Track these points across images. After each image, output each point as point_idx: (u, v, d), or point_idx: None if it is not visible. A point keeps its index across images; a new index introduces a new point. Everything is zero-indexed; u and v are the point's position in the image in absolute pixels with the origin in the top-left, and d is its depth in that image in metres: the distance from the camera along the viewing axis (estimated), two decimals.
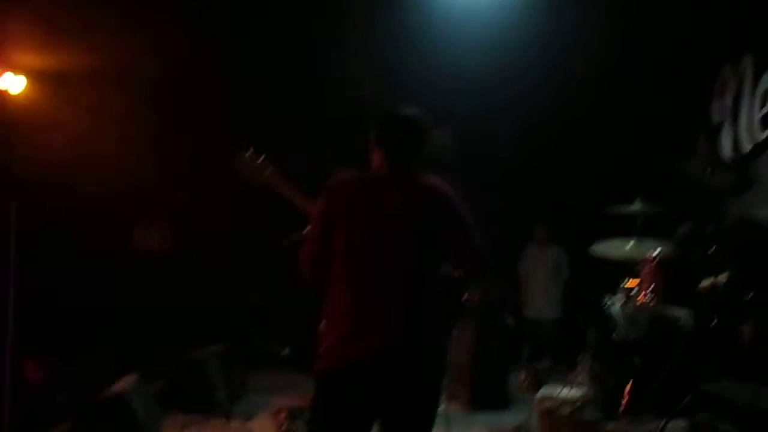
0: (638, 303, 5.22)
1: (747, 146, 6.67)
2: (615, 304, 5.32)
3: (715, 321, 4.70)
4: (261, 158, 3.90)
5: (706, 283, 4.92)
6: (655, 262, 5.25)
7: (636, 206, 5.88)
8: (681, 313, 5.02)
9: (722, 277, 4.91)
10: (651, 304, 5.16)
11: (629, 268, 5.57)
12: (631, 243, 5.74)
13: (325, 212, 3.27)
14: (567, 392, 5.26)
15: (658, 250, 5.34)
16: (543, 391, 5.49)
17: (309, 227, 3.41)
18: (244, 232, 8.25)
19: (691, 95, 7.52)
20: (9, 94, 7.04)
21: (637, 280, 5.38)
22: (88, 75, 7.35)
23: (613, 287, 5.55)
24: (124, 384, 5.75)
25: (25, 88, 7.16)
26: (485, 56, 7.36)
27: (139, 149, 7.84)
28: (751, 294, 4.75)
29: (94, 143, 7.59)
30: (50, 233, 7.24)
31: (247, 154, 3.91)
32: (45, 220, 7.14)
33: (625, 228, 5.91)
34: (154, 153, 7.94)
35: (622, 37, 6.89)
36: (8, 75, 7.03)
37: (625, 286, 5.44)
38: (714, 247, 4.84)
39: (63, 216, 7.52)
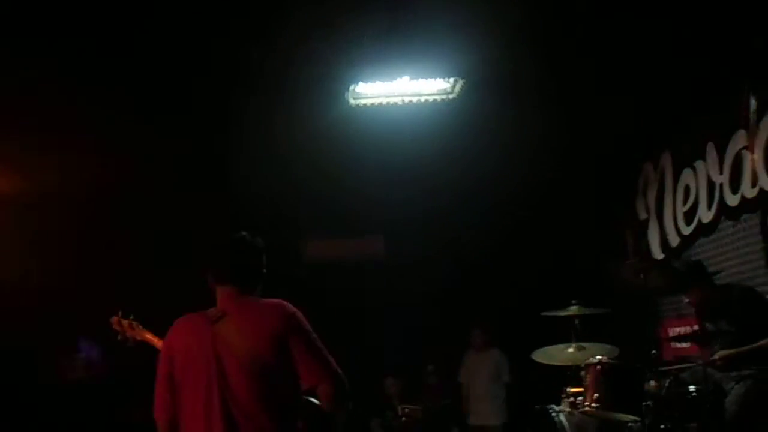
0: (585, 411, 5.08)
1: (674, 241, 6.79)
2: (561, 413, 5.18)
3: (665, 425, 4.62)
4: (130, 319, 4.42)
5: None
6: (598, 367, 5.14)
7: (573, 309, 5.83)
8: (629, 419, 4.91)
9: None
10: (597, 412, 5.04)
11: (572, 373, 5.47)
12: (572, 348, 5.65)
13: (165, 356, 3.15)
14: None
15: (600, 355, 5.25)
16: None
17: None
18: None
19: (617, 195, 7.67)
20: None
21: (580, 388, 5.26)
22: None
23: (557, 393, 5.43)
24: None
25: None
26: (416, 164, 7.36)
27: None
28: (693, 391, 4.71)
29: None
30: None
31: (118, 318, 4.40)
32: None
33: (563, 331, 5.84)
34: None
35: (549, 145, 6.98)
36: None
37: (569, 393, 5.32)
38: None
39: None
